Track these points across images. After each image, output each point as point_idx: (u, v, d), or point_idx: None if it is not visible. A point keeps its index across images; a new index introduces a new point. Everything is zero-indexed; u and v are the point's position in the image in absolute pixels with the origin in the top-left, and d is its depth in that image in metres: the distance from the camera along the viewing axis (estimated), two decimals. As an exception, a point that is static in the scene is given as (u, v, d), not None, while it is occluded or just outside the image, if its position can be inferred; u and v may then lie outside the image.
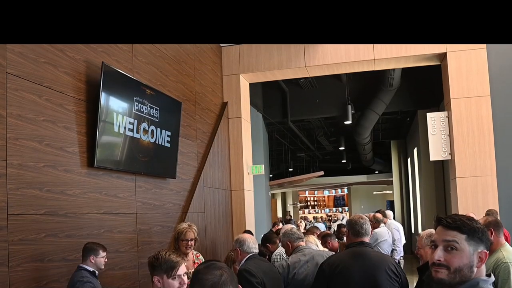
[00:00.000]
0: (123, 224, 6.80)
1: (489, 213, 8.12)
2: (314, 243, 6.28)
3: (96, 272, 5.31)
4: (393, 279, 4.38)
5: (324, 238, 7.43)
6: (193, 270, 5.69)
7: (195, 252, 6.26)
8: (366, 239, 4.63)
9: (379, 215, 10.89)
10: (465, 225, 2.29)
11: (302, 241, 5.71)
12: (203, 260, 6.26)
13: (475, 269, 2.26)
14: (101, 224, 6.27)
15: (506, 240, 7.59)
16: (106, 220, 6.40)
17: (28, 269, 4.99)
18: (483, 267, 2.30)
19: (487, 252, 2.28)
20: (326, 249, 6.76)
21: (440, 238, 2.33)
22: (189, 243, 5.94)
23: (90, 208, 6.08)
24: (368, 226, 4.70)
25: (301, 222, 12.52)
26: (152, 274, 3.55)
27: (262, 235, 7.91)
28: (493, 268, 4.69)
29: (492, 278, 2.31)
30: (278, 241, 6.99)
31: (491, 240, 4.80)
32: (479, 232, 2.29)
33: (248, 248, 4.93)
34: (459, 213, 9.02)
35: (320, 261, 5.20)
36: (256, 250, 5.02)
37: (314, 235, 7.20)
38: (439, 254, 2.29)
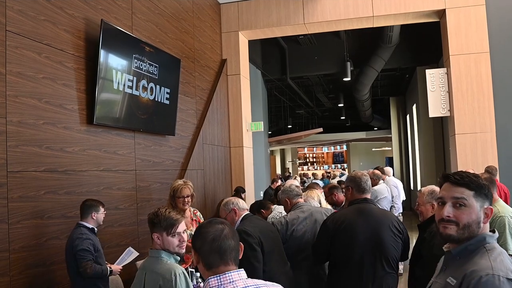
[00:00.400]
0: (122, 181, 6.85)
1: (488, 169, 8.21)
2: (316, 199, 6.29)
3: (95, 229, 5.37)
4: (396, 236, 4.43)
5: (331, 190, 7.44)
6: (191, 227, 5.78)
7: (192, 209, 6.25)
8: (369, 196, 4.67)
9: (378, 172, 10.91)
10: (473, 182, 2.33)
11: (301, 198, 5.72)
12: (201, 216, 6.36)
13: (482, 225, 2.32)
14: (100, 181, 6.32)
15: (506, 196, 7.77)
16: (105, 177, 6.44)
17: (27, 226, 5.04)
18: (487, 224, 2.36)
19: (492, 208, 2.35)
20: (328, 206, 6.78)
21: (448, 194, 2.37)
22: (186, 199, 5.87)
23: (90, 165, 6.12)
24: (370, 182, 4.75)
25: (296, 177, 12.40)
26: (151, 231, 3.57)
27: (255, 201, 7.94)
28: (490, 222, 4.81)
29: (496, 234, 2.37)
30: (271, 206, 7.02)
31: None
32: (485, 188, 2.34)
33: (243, 205, 5.02)
34: (458, 170, 9.09)
35: (318, 217, 5.25)
36: (247, 208, 5.13)
37: (318, 189, 7.23)
38: (448, 210, 2.33)
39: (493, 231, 2.38)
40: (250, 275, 2.41)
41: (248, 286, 2.34)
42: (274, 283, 2.45)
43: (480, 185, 2.33)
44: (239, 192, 10.72)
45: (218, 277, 2.34)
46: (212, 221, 2.52)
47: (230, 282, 2.32)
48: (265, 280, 2.48)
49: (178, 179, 6.41)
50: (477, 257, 2.26)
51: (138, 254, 5.89)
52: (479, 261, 2.22)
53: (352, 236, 4.36)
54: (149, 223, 3.60)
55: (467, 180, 2.34)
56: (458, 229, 2.31)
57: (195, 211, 6.32)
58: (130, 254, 5.73)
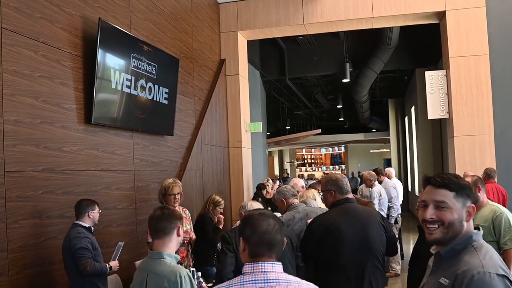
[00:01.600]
0: (120, 181, 6.82)
1: (487, 171, 8.24)
2: (312, 197, 6.28)
3: (92, 228, 5.36)
4: (382, 232, 4.46)
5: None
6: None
7: (181, 207, 6.47)
8: (351, 195, 4.66)
9: (373, 173, 10.94)
10: (453, 183, 2.40)
11: (297, 198, 5.74)
12: (189, 214, 6.67)
13: (464, 223, 2.38)
14: (98, 181, 6.29)
15: (504, 198, 7.84)
16: (103, 177, 6.41)
17: (26, 226, 5.01)
18: (471, 222, 2.42)
19: (474, 206, 2.41)
20: (323, 205, 6.76)
21: (430, 197, 2.43)
22: (176, 197, 6.19)
23: (88, 165, 6.08)
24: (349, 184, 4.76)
25: (268, 181, 12.05)
26: None
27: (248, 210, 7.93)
28: (492, 220, 5.10)
29: (481, 231, 2.44)
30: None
31: (477, 196, 5.14)
32: (466, 188, 2.42)
33: (251, 207, 5.00)
34: (457, 172, 9.10)
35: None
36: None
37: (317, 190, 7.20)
38: (430, 212, 2.41)
39: (478, 228, 2.45)
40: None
41: (279, 279, 2.46)
42: (309, 283, 2.54)
43: (460, 186, 2.41)
44: (260, 189, 10.85)
45: (252, 265, 2.49)
46: (264, 214, 2.66)
47: (262, 272, 2.46)
48: None
49: (167, 178, 6.47)
50: (466, 256, 2.31)
51: (124, 241, 5.85)
52: (469, 260, 2.27)
53: (340, 238, 4.33)
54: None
55: (447, 182, 2.41)
56: (443, 228, 2.38)
57: (184, 209, 6.57)
58: (120, 248, 5.72)
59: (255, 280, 2.44)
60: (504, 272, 2.18)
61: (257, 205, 5.10)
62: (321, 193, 4.88)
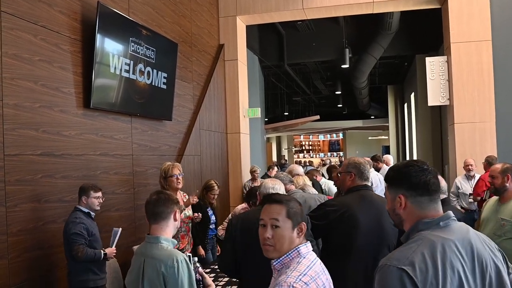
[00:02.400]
0: (119, 166, 6.80)
1: (488, 159, 8.16)
2: (302, 182, 6.31)
3: (91, 213, 5.34)
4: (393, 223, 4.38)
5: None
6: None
7: (182, 193, 6.38)
8: (369, 183, 4.59)
9: (369, 159, 10.91)
10: (387, 176, 2.50)
11: (293, 184, 5.76)
12: None
13: (398, 211, 2.39)
14: (97, 166, 6.27)
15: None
16: (102, 161, 6.39)
17: (25, 210, 5.01)
18: (430, 210, 2.32)
19: (402, 195, 2.36)
20: (316, 192, 6.73)
21: None
22: (178, 178, 6.06)
23: (86, 149, 6.06)
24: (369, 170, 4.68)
25: (256, 169, 11.94)
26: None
27: (246, 192, 7.87)
28: None
29: (446, 217, 2.30)
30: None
31: (505, 186, 4.78)
32: (395, 178, 2.45)
33: (265, 189, 4.77)
34: (457, 159, 8.96)
35: (312, 204, 5.16)
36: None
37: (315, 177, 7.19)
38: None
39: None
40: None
41: (317, 259, 2.67)
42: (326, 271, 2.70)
43: (388, 177, 2.48)
44: (271, 167, 10.94)
45: (306, 245, 2.67)
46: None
47: (313, 250, 2.69)
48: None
49: (165, 162, 6.40)
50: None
51: (121, 228, 5.81)
52: (393, 252, 2.31)
53: (355, 225, 4.24)
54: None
55: (386, 176, 2.51)
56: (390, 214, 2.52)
57: (184, 195, 6.47)
58: (117, 233, 5.67)
59: (316, 257, 2.66)
60: (408, 265, 2.11)
61: (278, 183, 4.95)
62: (339, 174, 4.75)
